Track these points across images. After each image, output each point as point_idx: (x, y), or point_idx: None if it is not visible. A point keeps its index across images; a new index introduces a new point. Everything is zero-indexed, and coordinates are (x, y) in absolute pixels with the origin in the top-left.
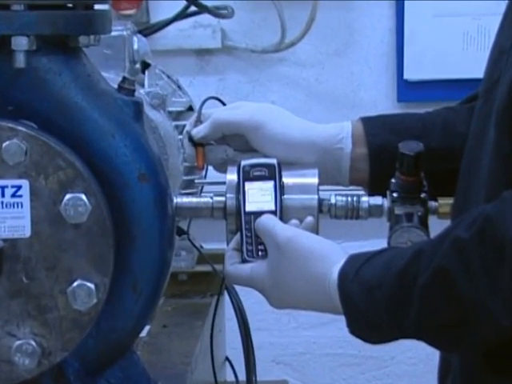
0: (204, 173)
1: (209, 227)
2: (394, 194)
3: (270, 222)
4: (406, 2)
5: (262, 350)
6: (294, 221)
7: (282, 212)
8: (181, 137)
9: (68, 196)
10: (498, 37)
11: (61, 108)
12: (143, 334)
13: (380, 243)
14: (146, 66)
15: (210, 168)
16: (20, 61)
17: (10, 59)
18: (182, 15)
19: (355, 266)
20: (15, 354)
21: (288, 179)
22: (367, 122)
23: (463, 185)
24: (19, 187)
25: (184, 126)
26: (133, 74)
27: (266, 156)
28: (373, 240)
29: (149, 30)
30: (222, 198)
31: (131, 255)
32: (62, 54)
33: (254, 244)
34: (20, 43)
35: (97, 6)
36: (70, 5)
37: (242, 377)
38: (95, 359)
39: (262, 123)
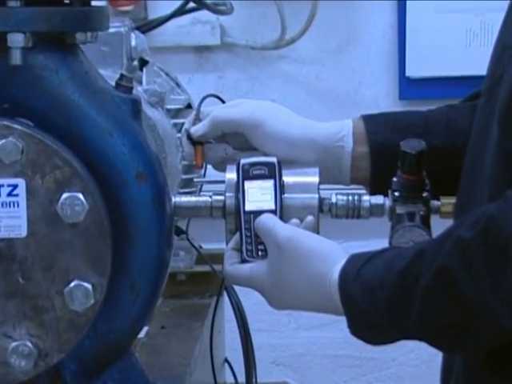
0: (203, 171)
1: (208, 227)
2: (396, 193)
3: (269, 221)
4: None
5: (261, 351)
6: (295, 220)
7: (282, 211)
8: (179, 135)
9: (65, 195)
10: (501, 33)
11: (57, 106)
12: (141, 335)
13: (381, 243)
14: (143, 63)
15: (209, 167)
16: (16, 58)
17: (5, 56)
18: (181, 11)
19: (356, 266)
20: (11, 355)
21: (288, 178)
22: (368, 119)
23: (466, 183)
24: (15, 186)
25: (183, 124)
26: (131, 72)
27: (265, 154)
28: (374, 240)
29: (147, 27)
30: (221, 197)
31: (129, 255)
32: (58, 51)
33: (254, 244)
34: (16, 40)
35: (94, 2)
36: (67, 1)
37: (242, 378)
38: (92, 361)
39: (262, 121)
